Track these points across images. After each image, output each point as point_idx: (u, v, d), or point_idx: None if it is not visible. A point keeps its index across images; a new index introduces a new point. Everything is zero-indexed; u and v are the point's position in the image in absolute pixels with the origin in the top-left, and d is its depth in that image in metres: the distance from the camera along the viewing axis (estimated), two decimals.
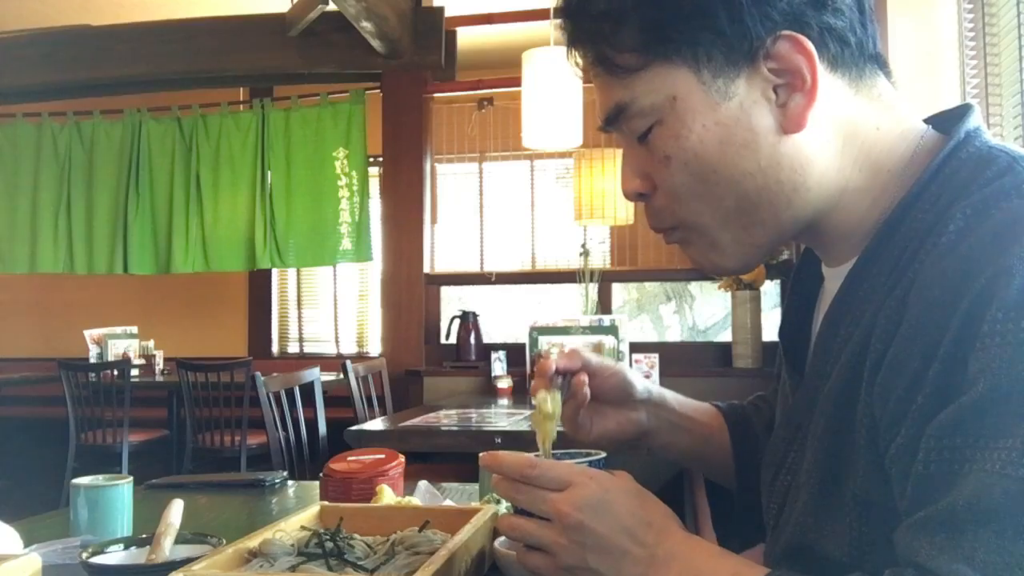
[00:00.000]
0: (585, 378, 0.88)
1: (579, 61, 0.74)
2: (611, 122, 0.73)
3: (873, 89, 0.70)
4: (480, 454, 0.77)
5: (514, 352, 3.83)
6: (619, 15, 0.68)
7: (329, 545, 0.85)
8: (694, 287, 5.41)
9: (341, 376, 3.50)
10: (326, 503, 1.05)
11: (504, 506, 1.14)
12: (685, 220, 0.72)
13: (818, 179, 0.68)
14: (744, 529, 0.97)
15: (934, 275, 0.59)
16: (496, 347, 3.97)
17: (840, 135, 0.69)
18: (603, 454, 0.79)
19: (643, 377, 0.94)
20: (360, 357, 5.26)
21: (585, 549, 0.66)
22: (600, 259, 4.62)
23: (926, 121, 0.72)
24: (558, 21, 0.75)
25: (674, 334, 5.52)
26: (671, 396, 0.97)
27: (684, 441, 0.97)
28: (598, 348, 3.38)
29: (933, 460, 0.55)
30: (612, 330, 3.38)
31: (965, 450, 0.54)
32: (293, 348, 5.85)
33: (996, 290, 0.54)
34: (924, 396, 0.57)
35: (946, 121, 0.71)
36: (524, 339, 3.71)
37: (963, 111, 0.70)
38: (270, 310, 5.83)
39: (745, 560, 0.65)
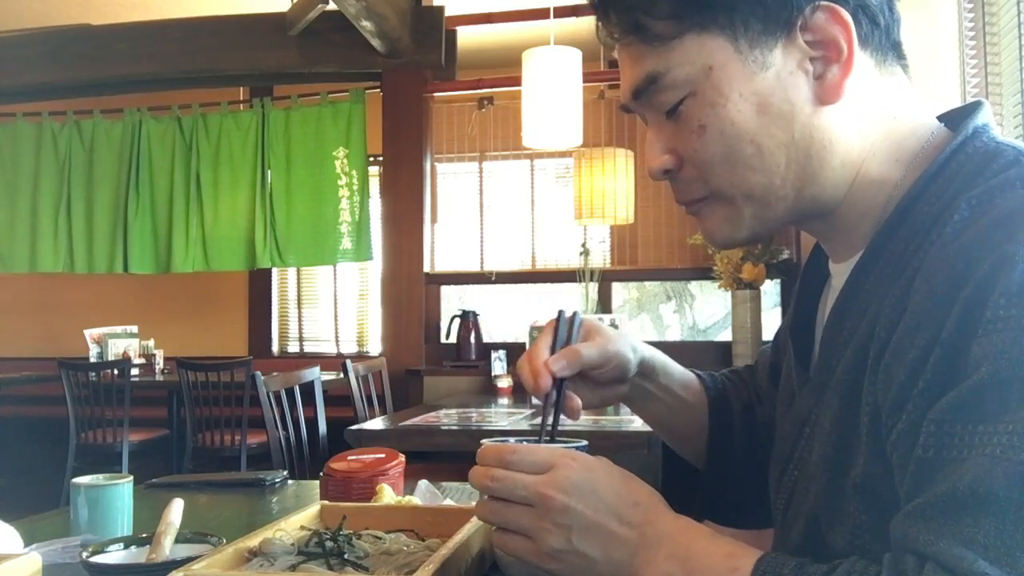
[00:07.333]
0: (578, 403, 0.85)
1: (610, 32, 0.72)
2: (640, 94, 0.71)
3: (893, 77, 0.71)
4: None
5: (514, 351, 3.83)
6: None
7: (329, 545, 0.85)
8: (694, 287, 5.41)
9: (341, 375, 3.50)
10: (326, 502, 1.05)
11: None
12: (717, 190, 0.71)
13: (842, 159, 0.69)
14: (704, 506, 0.96)
15: (937, 264, 0.59)
16: (496, 346, 3.97)
17: (866, 115, 0.69)
18: (585, 442, 0.76)
19: (633, 345, 0.91)
20: (360, 356, 5.26)
21: (571, 531, 0.65)
22: (600, 258, 4.62)
23: (939, 118, 0.73)
24: None
25: (674, 333, 5.52)
26: (660, 366, 0.95)
27: (658, 411, 0.96)
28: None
29: (932, 445, 0.55)
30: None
31: (965, 435, 0.53)
32: (293, 347, 5.85)
33: (998, 276, 0.54)
34: (925, 381, 0.56)
35: (956, 118, 0.71)
36: (524, 338, 3.71)
37: (973, 107, 0.70)
38: (270, 310, 5.82)
39: (738, 542, 0.64)
